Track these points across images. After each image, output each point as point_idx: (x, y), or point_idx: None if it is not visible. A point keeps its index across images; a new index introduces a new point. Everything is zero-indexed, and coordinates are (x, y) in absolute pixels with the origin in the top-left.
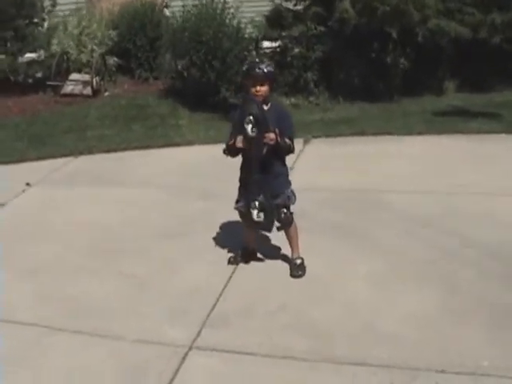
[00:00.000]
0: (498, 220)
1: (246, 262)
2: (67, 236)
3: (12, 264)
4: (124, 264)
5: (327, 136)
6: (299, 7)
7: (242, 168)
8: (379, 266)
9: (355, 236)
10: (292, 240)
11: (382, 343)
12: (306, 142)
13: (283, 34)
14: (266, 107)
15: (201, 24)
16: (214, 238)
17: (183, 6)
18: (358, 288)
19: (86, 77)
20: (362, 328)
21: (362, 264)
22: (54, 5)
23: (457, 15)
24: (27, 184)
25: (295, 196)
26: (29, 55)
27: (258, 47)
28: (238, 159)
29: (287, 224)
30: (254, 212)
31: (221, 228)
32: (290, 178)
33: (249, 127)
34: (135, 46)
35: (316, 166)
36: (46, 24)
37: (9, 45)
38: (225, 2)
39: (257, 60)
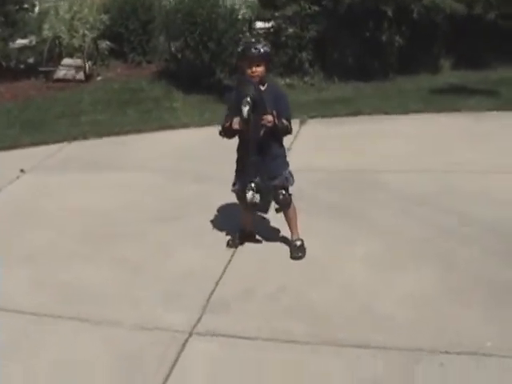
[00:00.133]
0: (494, 197)
1: (241, 243)
2: (61, 222)
3: (6, 250)
4: (118, 249)
5: (323, 116)
6: None
7: (239, 150)
8: (376, 247)
9: (352, 216)
10: (291, 222)
11: (380, 325)
12: (302, 122)
13: (276, 14)
14: (262, 88)
15: (194, 5)
16: (211, 221)
17: None
18: (355, 270)
19: (79, 62)
20: (359, 310)
21: (359, 245)
22: None
23: None
24: (21, 170)
25: (293, 177)
26: (20, 41)
27: (251, 28)
28: (234, 141)
29: (285, 206)
30: (250, 193)
31: (217, 211)
32: (288, 159)
33: (246, 109)
34: (127, 30)
35: (312, 147)
36: (36, 9)
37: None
38: None
39: (252, 40)
